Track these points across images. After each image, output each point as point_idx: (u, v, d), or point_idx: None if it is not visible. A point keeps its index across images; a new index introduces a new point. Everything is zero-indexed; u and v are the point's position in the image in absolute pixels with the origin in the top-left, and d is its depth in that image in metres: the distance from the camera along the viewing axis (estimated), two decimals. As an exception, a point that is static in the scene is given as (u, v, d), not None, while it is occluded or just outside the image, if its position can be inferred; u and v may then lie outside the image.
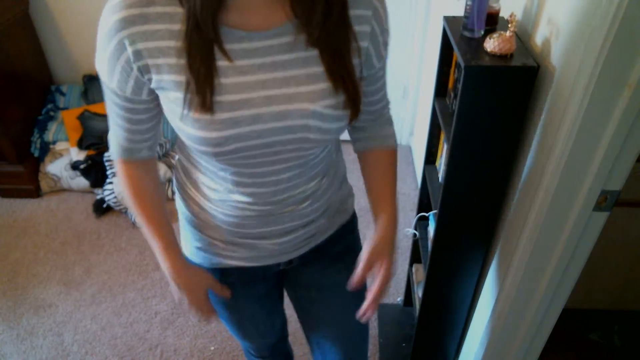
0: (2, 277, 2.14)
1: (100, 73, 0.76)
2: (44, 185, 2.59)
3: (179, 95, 0.72)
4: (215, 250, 0.94)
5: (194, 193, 0.91)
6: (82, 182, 2.53)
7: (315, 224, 0.94)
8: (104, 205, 2.44)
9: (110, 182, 2.38)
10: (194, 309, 0.94)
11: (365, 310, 0.91)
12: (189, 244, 0.98)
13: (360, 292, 0.95)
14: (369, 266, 0.90)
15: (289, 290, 1.10)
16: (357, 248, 1.04)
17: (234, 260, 0.94)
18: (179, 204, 0.97)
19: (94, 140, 2.52)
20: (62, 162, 2.55)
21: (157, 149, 0.92)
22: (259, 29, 0.73)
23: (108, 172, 2.39)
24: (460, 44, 1.07)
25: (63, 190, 2.62)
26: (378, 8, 0.78)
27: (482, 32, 1.09)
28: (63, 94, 2.73)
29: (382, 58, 0.84)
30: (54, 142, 2.59)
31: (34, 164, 2.58)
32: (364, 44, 0.78)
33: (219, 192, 0.86)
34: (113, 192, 2.37)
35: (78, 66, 2.77)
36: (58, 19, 2.64)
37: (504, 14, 1.19)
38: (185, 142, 0.78)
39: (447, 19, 1.19)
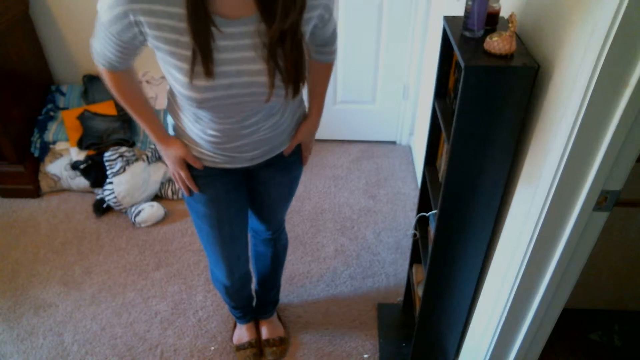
0: (2, 277, 2.14)
1: (102, 14, 0.94)
2: (44, 185, 2.59)
3: (183, 65, 0.97)
4: (200, 156, 1.24)
5: (180, 120, 1.20)
6: (82, 182, 2.53)
7: (273, 143, 1.27)
8: (104, 205, 2.44)
9: (110, 182, 2.38)
10: (178, 177, 1.28)
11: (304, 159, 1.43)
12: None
13: (290, 188, 1.47)
14: (297, 142, 1.34)
15: (249, 183, 1.42)
16: (301, 161, 1.43)
17: (214, 163, 1.26)
18: (169, 120, 1.26)
19: (94, 140, 2.52)
20: (62, 162, 2.55)
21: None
22: (234, 17, 0.96)
23: (108, 172, 2.39)
24: (460, 44, 1.07)
25: (63, 190, 2.62)
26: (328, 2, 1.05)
27: (482, 32, 1.09)
28: (63, 94, 2.73)
29: (329, 20, 1.12)
30: (54, 142, 2.59)
31: (34, 164, 2.58)
32: (309, 25, 1.05)
33: (199, 123, 1.15)
34: (113, 192, 2.37)
35: (78, 66, 2.77)
36: (58, 19, 2.64)
37: (504, 14, 1.19)
38: (175, 93, 1.07)
39: (447, 19, 1.19)
